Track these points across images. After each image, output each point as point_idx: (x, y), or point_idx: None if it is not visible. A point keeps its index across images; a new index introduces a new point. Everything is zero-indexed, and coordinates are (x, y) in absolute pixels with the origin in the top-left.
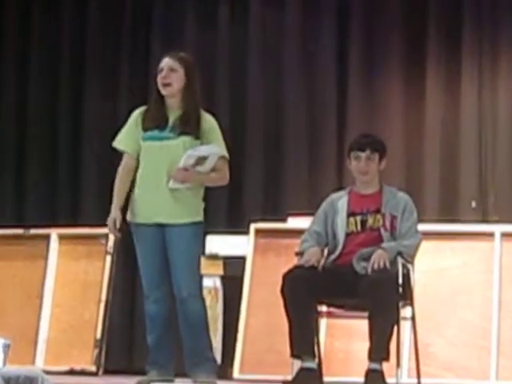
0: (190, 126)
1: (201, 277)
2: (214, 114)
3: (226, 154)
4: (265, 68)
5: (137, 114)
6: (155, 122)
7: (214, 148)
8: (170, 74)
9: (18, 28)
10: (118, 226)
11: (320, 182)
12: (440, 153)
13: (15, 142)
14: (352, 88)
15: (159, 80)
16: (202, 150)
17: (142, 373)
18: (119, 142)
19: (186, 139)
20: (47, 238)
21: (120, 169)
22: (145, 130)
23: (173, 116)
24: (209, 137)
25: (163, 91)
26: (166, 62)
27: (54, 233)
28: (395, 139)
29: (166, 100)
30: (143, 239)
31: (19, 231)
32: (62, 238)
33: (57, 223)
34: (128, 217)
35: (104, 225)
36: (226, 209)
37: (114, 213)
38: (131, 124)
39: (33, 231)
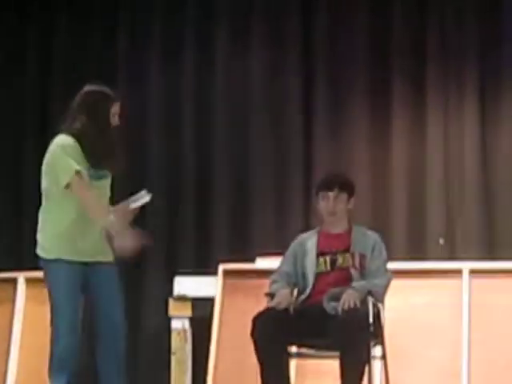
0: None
1: None
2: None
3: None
4: (231, 108)
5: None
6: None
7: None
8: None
9: None
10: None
11: (288, 222)
12: (407, 190)
13: None
14: (317, 129)
15: (115, 122)
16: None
17: None
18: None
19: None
20: (14, 281)
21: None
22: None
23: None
24: None
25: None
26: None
27: (21, 276)
28: (362, 178)
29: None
30: (70, 278)
31: None
32: (29, 281)
33: (24, 266)
34: (47, 253)
35: None
36: (194, 250)
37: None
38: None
39: (0, 275)
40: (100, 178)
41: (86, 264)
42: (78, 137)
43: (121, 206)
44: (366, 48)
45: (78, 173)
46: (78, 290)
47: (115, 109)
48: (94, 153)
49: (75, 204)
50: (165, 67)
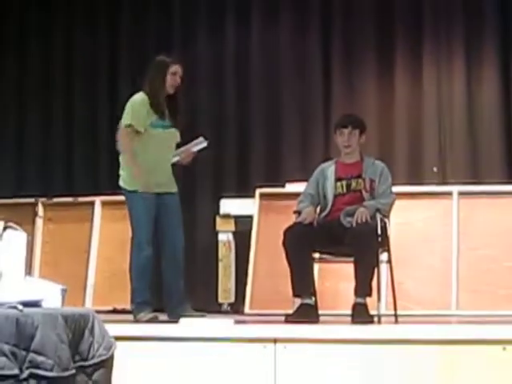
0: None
1: None
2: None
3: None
4: (265, 67)
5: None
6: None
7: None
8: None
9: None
10: None
11: (311, 154)
12: (407, 129)
13: (64, 122)
14: (335, 81)
15: (174, 82)
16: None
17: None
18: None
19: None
20: (92, 204)
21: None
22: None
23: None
24: None
25: (171, 91)
26: (180, 70)
27: (98, 200)
28: (371, 118)
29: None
30: (147, 205)
31: (69, 199)
32: (104, 204)
33: (100, 192)
34: (130, 186)
35: None
36: (236, 176)
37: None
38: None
39: (80, 199)
40: (166, 127)
41: (158, 194)
42: (146, 94)
43: (183, 149)
44: (374, 12)
45: (129, 126)
46: (153, 215)
47: (172, 69)
48: (156, 105)
49: (152, 146)
50: (211, 30)
